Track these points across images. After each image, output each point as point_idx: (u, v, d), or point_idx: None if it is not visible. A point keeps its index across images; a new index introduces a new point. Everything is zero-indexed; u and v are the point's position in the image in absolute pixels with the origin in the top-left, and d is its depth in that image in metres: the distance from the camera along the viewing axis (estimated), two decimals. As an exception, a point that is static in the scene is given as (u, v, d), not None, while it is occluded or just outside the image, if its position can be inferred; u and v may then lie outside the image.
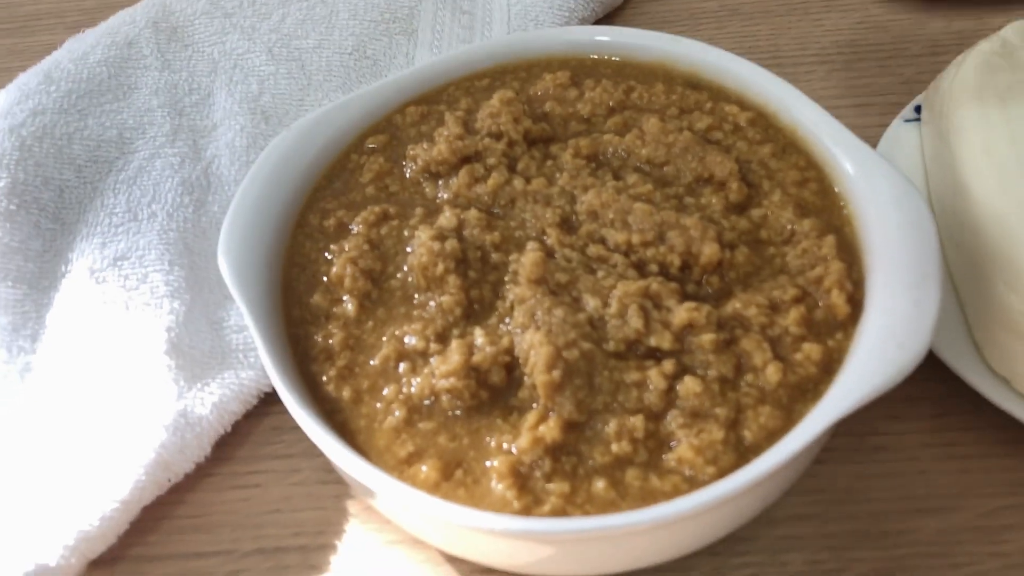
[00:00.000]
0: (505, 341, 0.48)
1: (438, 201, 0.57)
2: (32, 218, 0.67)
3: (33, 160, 0.69)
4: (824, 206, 0.54)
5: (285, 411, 0.47)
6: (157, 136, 0.73)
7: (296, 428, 0.47)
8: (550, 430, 0.44)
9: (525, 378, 0.47)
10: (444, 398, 0.47)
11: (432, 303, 0.51)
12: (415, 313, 0.51)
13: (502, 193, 0.56)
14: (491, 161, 0.57)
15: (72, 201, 0.69)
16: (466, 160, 0.58)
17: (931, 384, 0.55)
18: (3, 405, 0.58)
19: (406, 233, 0.55)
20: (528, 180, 0.56)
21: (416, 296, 0.52)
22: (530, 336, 0.46)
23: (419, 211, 0.56)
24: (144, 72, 0.77)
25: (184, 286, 0.62)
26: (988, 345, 0.53)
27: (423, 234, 0.53)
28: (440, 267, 0.51)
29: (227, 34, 0.81)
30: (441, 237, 0.52)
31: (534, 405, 0.46)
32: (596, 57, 0.65)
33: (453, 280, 0.51)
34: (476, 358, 0.47)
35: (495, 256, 0.52)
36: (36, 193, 0.68)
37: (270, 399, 0.59)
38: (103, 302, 0.62)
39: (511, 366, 0.47)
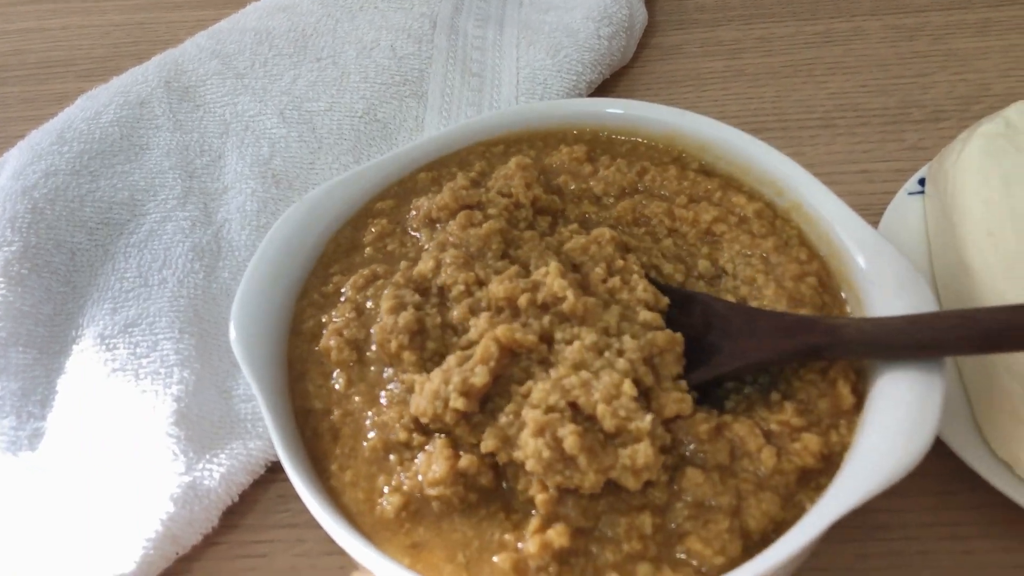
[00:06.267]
0: (489, 443, 0.46)
1: (424, 249, 0.57)
2: (44, 282, 0.67)
3: (45, 223, 0.69)
4: (823, 302, 0.54)
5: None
6: (168, 199, 0.73)
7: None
8: (559, 536, 0.43)
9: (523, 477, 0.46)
10: (434, 504, 0.46)
11: (395, 382, 0.51)
12: (388, 388, 0.51)
13: (493, 241, 0.55)
14: (492, 211, 0.57)
15: (83, 264, 0.69)
16: (467, 207, 0.58)
17: (935, 462, 0.54)
18: (13, 473, 0.58)
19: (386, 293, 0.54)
20: (520, 246, 0.56)
21: (386, 371, 0.52)
22: (529, 442, 0.45)
23: (403, 265, 0.56)
24: (156, 132, 0.78)
25: (194, 355, 0.63)
26: (991, 430, 0.54)
27: (384, 303, 0.52)
28: (393, 343, 0.50)
29: (239, 95, 0.82)
30: (398, 308, 0.51)
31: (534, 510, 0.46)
32: (612, 131, 0.65)
33: (408, 356, 0.50)
34: (462, 463, 0.46)
35: (457, 312, 0.51)
36: (48, 256, 0.68)
37: (277, 466, 0.60)
38: (113, 370, 0.62)
39: (497, 465, 0.47)
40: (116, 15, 1.07)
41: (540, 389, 0.46)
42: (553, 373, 0.47)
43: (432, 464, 0.46)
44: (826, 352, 0.48)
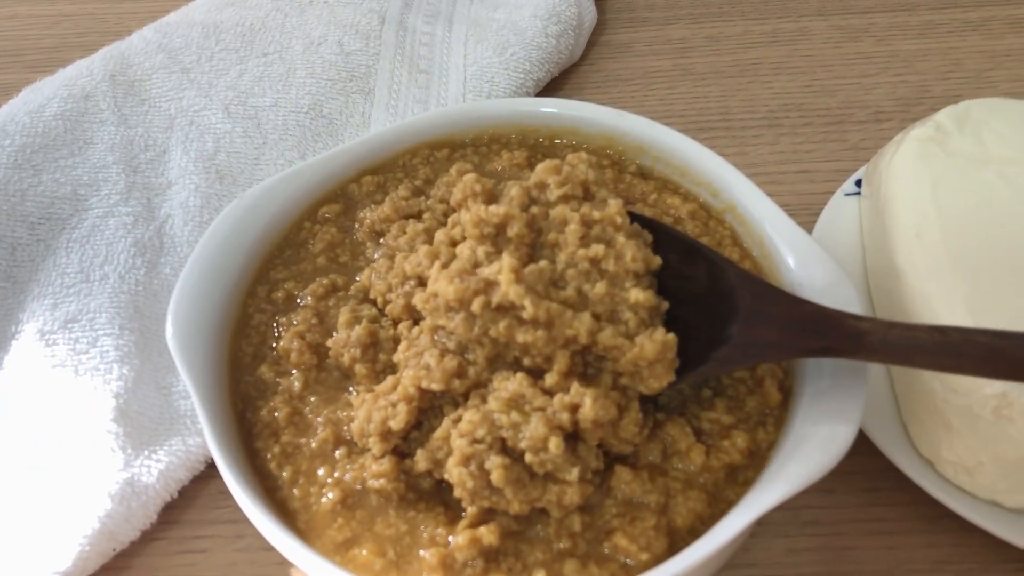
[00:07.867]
0: (421, 464, 0.46)
1: (372, 261, 0.57)
2: (-17, 277, 0.67)
3: (-15, 217, 0.69)
4: None
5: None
6: (111, 194, 0.73)
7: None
8: (489, 533, 0.44)
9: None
10: (373, 497, 0.47)
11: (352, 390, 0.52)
12: (348, 392, 0.52)
13: (418, 241, 0.55)
14: (427, 216, 0.57)
15: (24, 259, 0.69)
16: (408, 217, 0.58)
17: (864, 459, 0.56)
18: (-51, 469, 0.58)
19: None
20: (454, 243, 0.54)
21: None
22: (454, 471, 0.45)
23: (357, 279, 0.56)
24: (100, 127, 0.78)
25: (134, 351, 0.63)
26: (915, 428, 0.55)
27: (341, 317, 0.53)
28: (346, 357, 0.51)
29: (184, 90, 0.82)
30: (352, 322, 0.52)
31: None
32: (550, 133, 0.65)
33: (360, 369, 0.51)
34: (407, 463, 0.47)
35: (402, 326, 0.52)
36: (-12, 251, 0.68)
37: (217, 462, 0.60)
38: (52, 366, 0.62)
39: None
40: (66, 5, 1.05)
41: (468, 420, 0.45)
42: (490, 401, 0.46)
43: (380, 456, 0.47)
44: (842, 355, 0.45)
